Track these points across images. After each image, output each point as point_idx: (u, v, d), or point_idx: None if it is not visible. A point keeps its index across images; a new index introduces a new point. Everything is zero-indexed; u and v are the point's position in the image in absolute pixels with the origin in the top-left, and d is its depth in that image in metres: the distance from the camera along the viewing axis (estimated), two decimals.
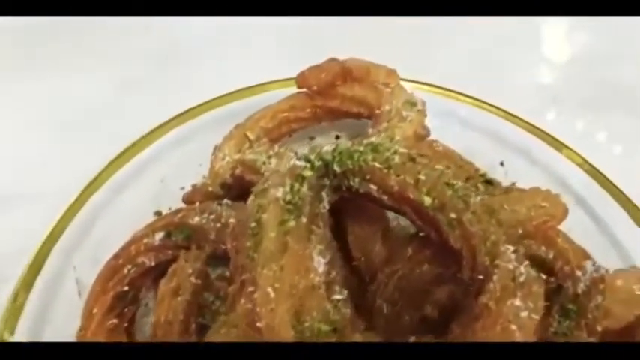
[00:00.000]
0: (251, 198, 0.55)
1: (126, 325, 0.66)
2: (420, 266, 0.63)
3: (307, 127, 0.88)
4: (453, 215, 0.58)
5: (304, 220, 0.51)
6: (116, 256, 0.70)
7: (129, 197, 0.81)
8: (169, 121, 0.87)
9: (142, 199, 0.81)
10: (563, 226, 0.72)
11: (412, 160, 0.62)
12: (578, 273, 0.62)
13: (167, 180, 0.83)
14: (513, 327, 0.50)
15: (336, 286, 0.50)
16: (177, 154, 0.86)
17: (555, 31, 1.32)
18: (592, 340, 0.59)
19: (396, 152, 0.61)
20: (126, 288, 0.67)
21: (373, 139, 0.67)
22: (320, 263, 0.49)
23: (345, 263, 0.63)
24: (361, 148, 0.60)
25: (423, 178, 0.59)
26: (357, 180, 0.59)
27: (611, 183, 0.81)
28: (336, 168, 0.58)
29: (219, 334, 0.54)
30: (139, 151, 0.84)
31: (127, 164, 0.83)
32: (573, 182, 0.83)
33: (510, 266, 0.54)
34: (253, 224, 0.52)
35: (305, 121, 0.87)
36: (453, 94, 0.95)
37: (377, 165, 0.59)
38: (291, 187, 0.53)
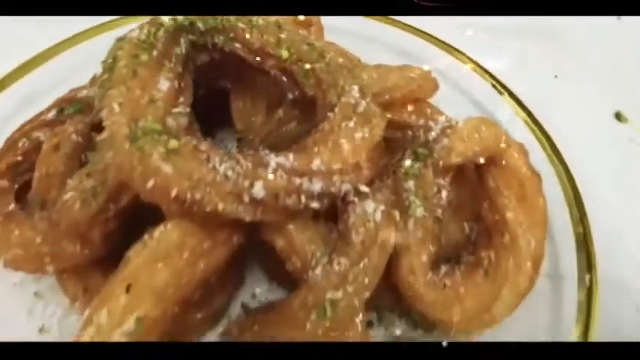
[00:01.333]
0: (112, 44, 0.60)
1: (16, 188, 0.69)
2: (289, 123, 0.68)
3: None
4: (307, 66, 0.63)
5: (155, 54, 0.56)
6: (12, 134, 0.74)
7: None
8: None
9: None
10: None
11: (278, 25, 0.67)
12: (432, 124, 0.67)
13: None
14: (343, 140, 0.54)
15: (180, 106, 0.55)
16: None
17: None
18: (439, 181, 0.65)
19: (261, 18, 0.66)
20: (19, 158, 0.71)
21: None
22: (164, 85, 0.54)
23: None
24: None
25: (283, 36, 0.65)
26: (221, 38, 0.64)
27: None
28: (200, 25, 0.62)
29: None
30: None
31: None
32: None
33: (352, 100, 0.59)
34: (110, 60, 0.57)
35: None
36: None
37: (240, 24, 0.64)
38: (148, 31, 0.58)
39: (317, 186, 0.52)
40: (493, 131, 0.65)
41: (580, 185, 0.77)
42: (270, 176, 0.50)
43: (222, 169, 0.49)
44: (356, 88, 0.61)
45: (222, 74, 0.75)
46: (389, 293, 0.65)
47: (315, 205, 0.53)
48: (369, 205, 0.56)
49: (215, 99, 0.75)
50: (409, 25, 0.97)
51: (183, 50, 0.60)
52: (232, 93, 0.75)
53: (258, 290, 0.70)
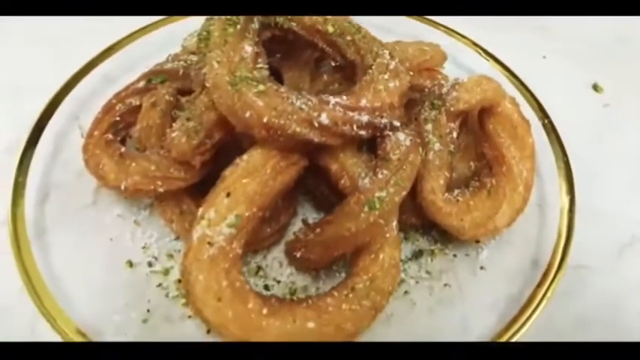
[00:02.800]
0: (203, 22, 0.79)
1: (119, 139, 0.88)
2: (332, 85, 0.88)
3: None
4: (349, 38, 0.82)
5: (239, 27, 0.75)
6: (110, 100, 0.93)
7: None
8: None
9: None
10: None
11: None
12: (443, 82, 0.87)
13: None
14: (380, 87, 0.74)
15: (260, 63, 0.74)
16: None
17: None
18: (451, 124, 0.84)
19: None
20: (117, 118, 0.90)
21: None
22: (248, 49, 0.73)
23: None
24: None
25: (329, 17, 0.84)
26: (281, 18, 0.83)
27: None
28: None
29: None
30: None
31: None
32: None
33: (385, 61, 0.78)
34: (205, 33, 0.76)
35: None
36: None
37: None
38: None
39: (364, 118, 0.71)
40: (491, 85, 0.84)
41: (563, 139, 0.96)
42: (332, 109, 0.69)
43: (297, 103, 0.68)
44: (387, 52, 0.80)
45: (274, 53, 0.95)
46: (414, 214, 0.84)
47: (362, 132, 0.72)
48: (401, 136, 0.75)
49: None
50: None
51: (257, 26, 0.79)
52: (283, 67, 0.94)
53: (309, 218, 0.89)
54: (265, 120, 0.67)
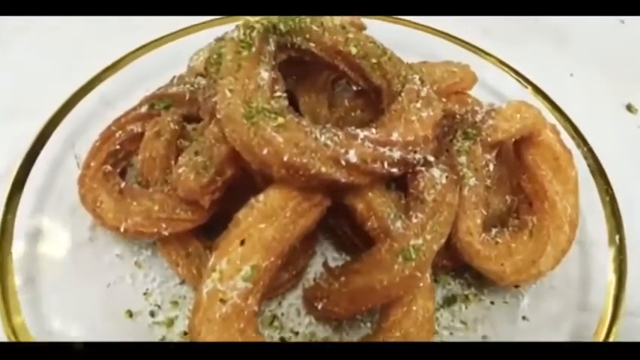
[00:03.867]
0: (211, 43, 0.71)
1: (119, 171, 0.80)
2: (354, 111, 0.80)
3: None
4: (374, 60, 0.74)
5: (254, 50, 0.67)
6: (109, 127, 0.85)
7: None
8: None
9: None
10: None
11: (343, 27, 0.78)
12: (477, 108, 0.79)
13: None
14: (413, 118, 0.65)
15: (279, 92, 0.66)
16: None
17: None
18: (487, 155, 0.76)
19: (330, 21, 0.78)
20: (118, 147, 0.82)
21: None
22: (265, 75, 0.65)
23: None
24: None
25: (350, 36, 0.76)
26: (298, 38, 0.75)
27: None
28: (282, 27, 0.74)
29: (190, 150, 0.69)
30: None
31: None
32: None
33: (415, 87, 0.70)
34: (215, 56, 0.68)
35: None
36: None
37: (314, 27, 0.76)
38: (244, 32, 0.69)
39: (397, 154, 0.63)
40: (531, 112, 0.76)
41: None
42: (360, 144, 0.61)
43: (322, 139, 0.60)
44: (417, 77, 0.72)
45: (288, 75, 0.87)
46: (445, 255, 0.76)
47: (394, 170, 0.64)
48: (436, 172, 0.67)
49: None
50: (431, 28, 1.09)
51: (273, 48, 0.71)
52: (298, 90, 0.86)
53: (329, 258, 0.80)
54: (286, 158, 0.59)
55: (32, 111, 0.90)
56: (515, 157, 0.80)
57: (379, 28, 1.03)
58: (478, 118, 0.77)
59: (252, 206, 0.63)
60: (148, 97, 0.86)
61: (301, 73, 0.85)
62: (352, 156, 0.60)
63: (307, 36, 0.75)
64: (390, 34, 1.06)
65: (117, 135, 0.83)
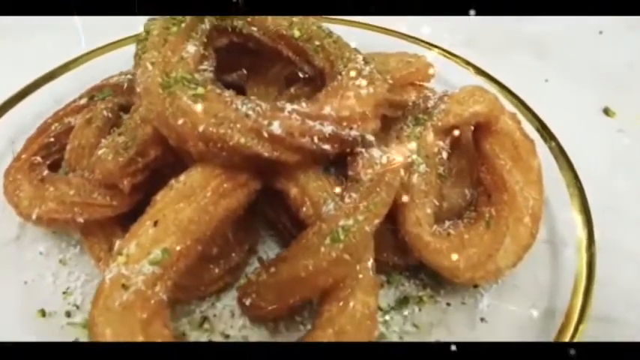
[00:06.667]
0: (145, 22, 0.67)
1: (48, 163, 0.75)
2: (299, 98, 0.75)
3: None
4: (317, 42, 0.70)
5: (183, 26, 0.64)
6: (46, 120, 0.80)
7: None
8: None
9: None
10: None
11: None
12: (430, 94, 0.74)
13: None
14: (350, 93, 0.60)
15: (206, 65, 0.61)
16: None
17: None
18: (439, 142, 0.70)
19: None
20: (52, 139, 0.77)
21: None
22: (191, 49, 0.61)
23: None
24: None
25: (295, 20, 0.73)
26: (240, 22, 0.72)
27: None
28: None
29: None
30: None
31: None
32: None
33: (358, 66, 0.66)
34: (144, 34, 0.64)
35: None
36: None
37: None
38: None
39: (328, 129, 0.57)
40: (487, 97, 0.71)
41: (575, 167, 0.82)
42: (287, 116, 0.56)
43: (243, 109, 0.55)
44: (360, 57, 0.68)
45: (238, 67, 0.83)
46: (396, 252, 0.69)
47: (326, 147, 0.58)
48: (376, 152, 0.61)
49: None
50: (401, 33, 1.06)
51: (207, 27, 0.67)
52: (248, 82, 0.82)
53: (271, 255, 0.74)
54: (202, 129, 0.54)
55: None
56: (475, 147, 0.75)
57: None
58: (430, 104, 0.72)
59: (171, 186, 0.58)
60: (88, 89, 0.82)
61: (252, 66, 0.82)
62: (276, 127, 0.55)
63: (249, 19, 0.72)
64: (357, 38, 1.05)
65: (53, 127, 0.78)
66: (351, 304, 0.57)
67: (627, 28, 1.30)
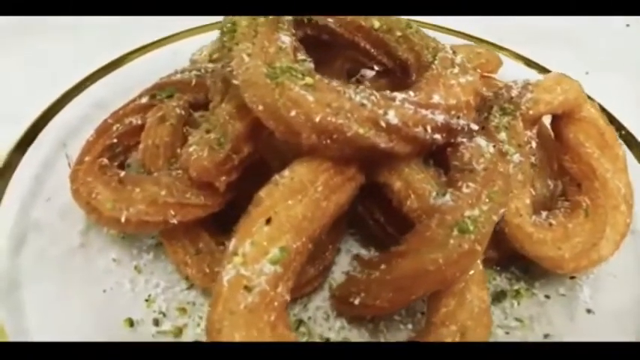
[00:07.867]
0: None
1: (116, 164, 0.71)
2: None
3: None
4: (399, 33, 0.68)
5: (270, 17, 0.61)
6: (105, 120, 0.76)
7: None
8: None
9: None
10: None
11: None
12: (511, 84, 0.72)
13: None
14: (452, 82, 0.59)
15: (302, 54, 0.59)
16: None
17: None
18: (527, 132, 0.69)
19: None
20: (115, 140, 0.73)
21: None
22: (286, 40, 0.59)
23: None
24: None
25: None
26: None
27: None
28: None
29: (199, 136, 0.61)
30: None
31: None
32: None
33: (449, 55, 0.64)
34: (229, 25, 0.61)
35: None
36: None
37: None
38: None
39: (440, 118, 0.55)
40: (573, 84, 0.70)
41: None
42: (400, 105, 0.53)
43: (357, 98, 0.53)
44: (448, 46, 0.66)
45: None
46: (490, 245, 0.67)
47: (437, 137, 0.56)
48: (482, 141, 0.60)
49: None
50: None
51: (291, 17, 0.65)
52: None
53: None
54: (318, 119, 0.51)
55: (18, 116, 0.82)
56: (556, 136, 0.73)
57: None
58: (514, 93, 0.70)
59: (277, 182, 0.55)
60: (148, 88, 0.78)
61: (314, 59, 0.79)
62: (392, 117, 0.53)
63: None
64: None
65: (114, 128, 0.74)
66: (468, 297, 0.55)
67: None
